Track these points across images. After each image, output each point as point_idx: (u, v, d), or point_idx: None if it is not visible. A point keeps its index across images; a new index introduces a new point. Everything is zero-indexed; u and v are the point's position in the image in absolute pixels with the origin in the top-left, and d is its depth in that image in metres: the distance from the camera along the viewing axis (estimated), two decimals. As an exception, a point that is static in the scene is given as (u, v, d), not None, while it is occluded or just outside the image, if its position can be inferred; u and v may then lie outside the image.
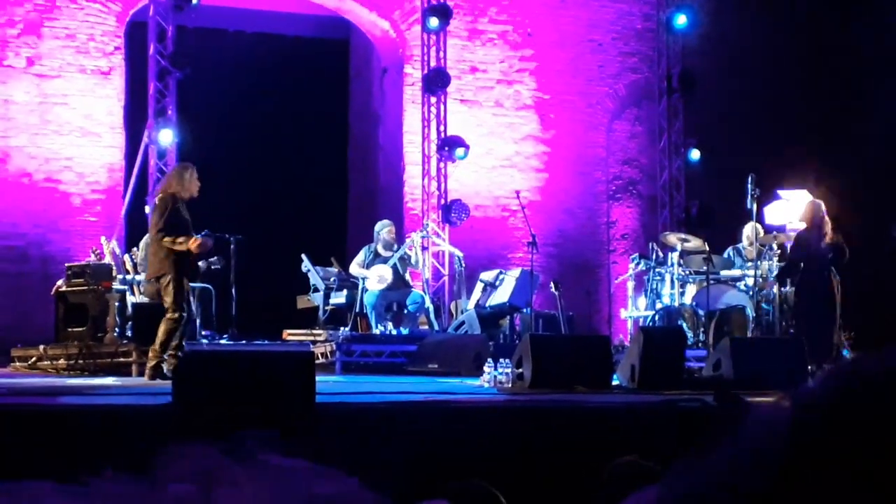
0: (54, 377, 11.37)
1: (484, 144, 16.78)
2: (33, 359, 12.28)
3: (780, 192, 15.30)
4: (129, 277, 12.89)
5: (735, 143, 16.86)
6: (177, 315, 9.98)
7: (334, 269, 14.57)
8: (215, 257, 13.29)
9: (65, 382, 10.31)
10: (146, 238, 13.05)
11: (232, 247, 13.64)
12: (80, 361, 11.71)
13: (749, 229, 13.80)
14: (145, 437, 5.89)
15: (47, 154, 14.84)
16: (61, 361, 12.01)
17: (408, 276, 14.14)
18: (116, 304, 12.39)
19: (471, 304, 14.23)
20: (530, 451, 6.54)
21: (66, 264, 13.08)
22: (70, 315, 12.45)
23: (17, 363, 12.42)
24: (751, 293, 13.44)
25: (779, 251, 13.79)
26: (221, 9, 16.37)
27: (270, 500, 2.04)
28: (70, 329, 12.33)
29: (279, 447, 2.84)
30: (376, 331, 13.32)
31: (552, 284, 14.12)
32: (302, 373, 6.65)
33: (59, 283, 12.78)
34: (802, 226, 12.40)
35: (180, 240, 10.01)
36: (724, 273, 13.88)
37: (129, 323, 12.41)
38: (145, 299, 12.62)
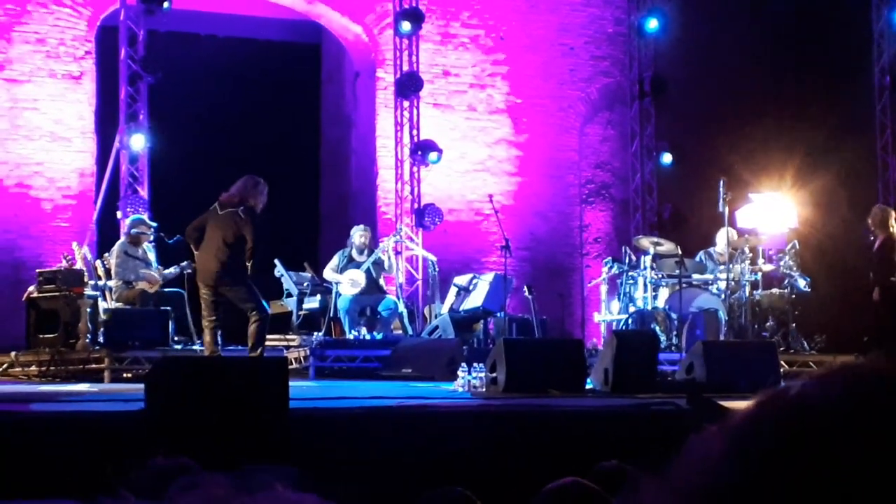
0: (26, 384, 11.32)
1: (457, 148, 16.77)
2: (4, 365, 12.22)
3: (752, 195, 15.36)
4: (100, 283, 12.81)
5: (707, 146, 16.91)
6: (265, 313, 10.83)
7: (307, 274, 14.54)
8: (186, 262, 13.23)
9: (37, 389, 10.26)
10: (119, 244, 13.00)
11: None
12: (52, 368, 11.67)
13: (722, 234, 13.85)
14: (118, 443, 5.86)
15: (17, 159, 14.74)
16: (33, 368, 11.96)
17: (382, 281, 14.11)
18: (88, 310, 12.32)
19: (444, 309, 14.22)
20: (505, 455, 6.55)
21: (38, 270, 13.02)
22: (41, 321, 12.39)
23: (-12, 370, 12.35)
24: (723, 296, 13.50)
25: (751, 254, 13.85)
26: (193, 13, 16.30)
27: None
28: (41, 335, 12.27)
29: (293, 481, 2.83)
30: (350, 336, 13.28)
31: (525, 288, 14.14)
32: (275, 378, 6.63)
33: (31, 289, 12.71)
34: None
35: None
36: (697, 276, 13.92)
37: (101, 329, 12.34)
38: (118, 304, 12.58)
